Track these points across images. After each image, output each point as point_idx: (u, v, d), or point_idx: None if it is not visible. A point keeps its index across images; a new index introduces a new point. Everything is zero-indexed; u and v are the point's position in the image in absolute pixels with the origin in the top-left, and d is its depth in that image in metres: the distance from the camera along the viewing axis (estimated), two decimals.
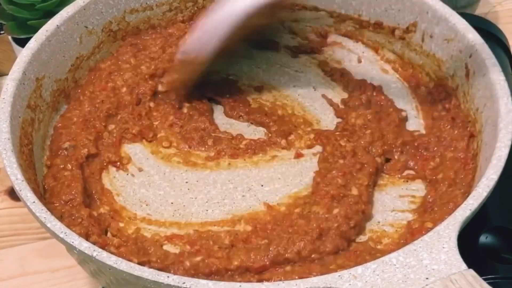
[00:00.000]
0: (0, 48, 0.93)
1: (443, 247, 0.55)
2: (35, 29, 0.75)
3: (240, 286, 0.53)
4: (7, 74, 0.82)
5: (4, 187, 0.83)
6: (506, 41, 0.87)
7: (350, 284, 0.53)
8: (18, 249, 0.78)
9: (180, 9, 0.86)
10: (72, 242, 0.57)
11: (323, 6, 0.85)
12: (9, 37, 0.89)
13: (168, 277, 0.54)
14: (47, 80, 0.74)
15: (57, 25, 0.75)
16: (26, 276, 0.75)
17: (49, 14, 0.81)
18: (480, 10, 0.99)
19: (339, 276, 0.54)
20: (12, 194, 0.82)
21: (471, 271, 0.53)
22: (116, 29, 0.82)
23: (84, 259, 0.61)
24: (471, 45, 0.72)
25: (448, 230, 0.56)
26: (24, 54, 0.71)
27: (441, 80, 0.77)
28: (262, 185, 0.71)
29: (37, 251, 0.77)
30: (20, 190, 0.60)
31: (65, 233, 0.57)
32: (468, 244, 0.68)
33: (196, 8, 0.86)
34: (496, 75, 0.68)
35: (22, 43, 0.86)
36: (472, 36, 0.73)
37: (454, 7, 0.77)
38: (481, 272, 0.65)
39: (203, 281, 0.54)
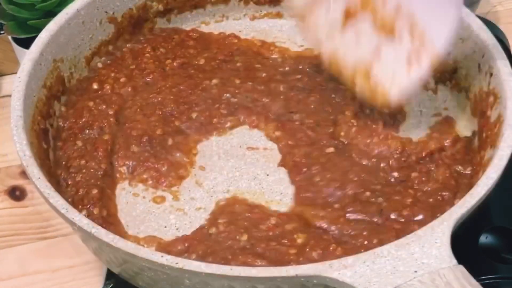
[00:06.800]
0: (0, 48, 0.93)
1: (436, 242, 0.55)
2: (35, 29, 0.76)
3: (231, 269, 0.54)
4: (7, 74, 0.84)
5: (4, 187, 0.83)
6: (506, 41, 0.86)
7: (339, 273, 0.54)
8: (18, 249, 0.77)
9: None
10: (73, 218, 0.58)
11: None
12: (9, 37, 0.89)
13: (162, 256, 0.55)
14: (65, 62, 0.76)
15: (77, 9, 0.76)
16: (26, 276, 0.75)
17: (49, 14, 0.82)
18: (480, 10, 0.98)
19: (330, 265, 0.54)
20: (12, 194, 0.82)
21: (461, 267, 0.53)
22: (137, 15, 0.83)
23: (84, 236, 0.62)
24: (484, 45, 0.72)
25: (442, 225, 0.56)
26: (42, 36, 0.73)
27: (455, 79, 0.77)
28: None
29: (37, 251, 0.77)
30: (27, 166, 0.62)
31: (66, 209, 0.59)
32: (468, 244, 0.68)
33: None
34: (506, 76, 0.68)
35: (22, 43, 0.87)
36: (486, 36, 0.72)
37: None
38: (481, 272, 0.65)
39: (196, 262, 0.55)
